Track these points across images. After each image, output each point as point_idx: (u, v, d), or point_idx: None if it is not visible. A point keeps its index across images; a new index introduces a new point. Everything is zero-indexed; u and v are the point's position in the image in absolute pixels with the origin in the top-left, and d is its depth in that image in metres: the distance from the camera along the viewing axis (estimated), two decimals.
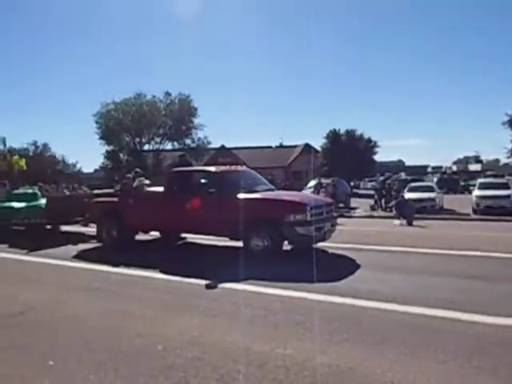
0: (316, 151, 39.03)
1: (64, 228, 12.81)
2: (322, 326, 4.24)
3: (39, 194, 13.28)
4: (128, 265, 7.35)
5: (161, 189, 9.11)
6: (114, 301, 5.52)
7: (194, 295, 5.61)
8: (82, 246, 9.75)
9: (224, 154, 39.97)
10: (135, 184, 9.76)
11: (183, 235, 9.93)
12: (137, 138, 37.98)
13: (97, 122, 37.00)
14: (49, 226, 12.37)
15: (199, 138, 38.19)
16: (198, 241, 9.63)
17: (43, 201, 11.90)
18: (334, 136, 39.37)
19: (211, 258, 8.11)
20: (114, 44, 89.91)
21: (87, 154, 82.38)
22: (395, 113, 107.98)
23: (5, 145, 38.92)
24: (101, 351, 3.89)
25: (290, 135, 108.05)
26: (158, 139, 38.44)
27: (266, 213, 7.56)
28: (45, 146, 44.92)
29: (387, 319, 4.43)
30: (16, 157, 27.39)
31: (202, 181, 8.43)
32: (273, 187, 9.32)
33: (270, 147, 47.46)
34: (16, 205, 12.22)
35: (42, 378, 3.46)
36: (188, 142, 38.13)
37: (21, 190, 14.80)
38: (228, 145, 42.75)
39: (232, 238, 8.10)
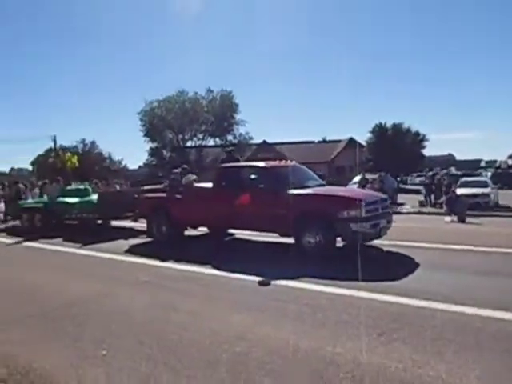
0: (361, 146, 38.15)
1: (114, 223, 13.25)
2: (372, 325, 4.12)
3: (90, 189, 13.77)
4: (178, 260, 7.46)
5: (208, 185, 9.12)
6: (163, 295, 5.62)
7: (243, 291, 5.61)
8: (132, 241, 9.95)
9: (266, 149, 39.97)
10: (184, 180, 9.82)
11: (231, 231, 9.92)
12: (180, 135, 38.72)
13: (141, 120, 37.98)
14: (100, 221, 12.85)
15: (241, 134, 38.39)
16: (247, 237, 9.59)
17: (95, 196, 12.34)
18: (379, 130, 38.28)
19: (261, 255, 8.03)
20: (156, 42, 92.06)
21: (132, 151, 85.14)
22: (445, 106, 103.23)
23: (55, 143, 41.06)
24: (150, 344, 3.98)
25: (333, 130, 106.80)
26: (200, 135, 39.04)
27: (318, 209, 7.36)
28: (93, 143, 46.81)
29: (440, 319, 4.23)
30: (68, 154, 28.76)
31: (252, 176, 8.30)
32: (324, 182, 9.12)
33: (313, 142, 46.95)
34: (70, 200, 12.71)
35: (95, 368, 3.58)
36: (230, 137, 38.41)
37: (73, 186, 15.39)
38: (270, 140, 42.70)
39: (282, 235, 8.02)
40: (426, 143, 38.30)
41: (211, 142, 39.83)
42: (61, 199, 13.00)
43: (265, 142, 42.13)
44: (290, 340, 3.82)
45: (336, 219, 7.00)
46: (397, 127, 38.20)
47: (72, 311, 5.05)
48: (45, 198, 14.18)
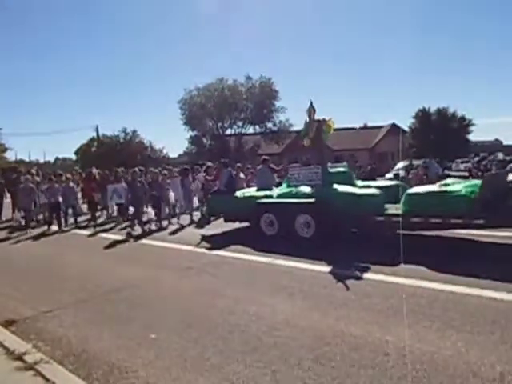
0: (404, 131, 37.05)
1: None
2: None
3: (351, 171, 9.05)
4: None
5: None
6: None
7: None
8: None
9: None
10: None
11: None
12: (219, 123, 38.76)
13: (181, 109, 38.19)
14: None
15: (281, 121, 37.94)
16: None
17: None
18: (423, 115, 37.02)
19: None
20: (197, 31, 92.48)
21: (173, 139, 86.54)
22: (492, 89, 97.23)
23: (98, 132, 41.94)
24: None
25: (375, 115, 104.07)
26: (239, 123, 38.94)
27: None
28: (134, 132, 47.16)
29: (494, 308, 4.04)
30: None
31: None
32: None
33: (354, 128, 45.92)
34: (365, 191, 7.54)
35: (146, 350, 3.62)
36: (269, 125, 38.12)
37: (332, 169, 8.71)
38: None
39: None
40: (472, 128, 36.74)
41: (251, 130, 39.73)
42: (350, 190, 7.58)
43: None
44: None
45: None
46: (442, 112, 36.78)
47: None
48: (281, 187, 9.08)
